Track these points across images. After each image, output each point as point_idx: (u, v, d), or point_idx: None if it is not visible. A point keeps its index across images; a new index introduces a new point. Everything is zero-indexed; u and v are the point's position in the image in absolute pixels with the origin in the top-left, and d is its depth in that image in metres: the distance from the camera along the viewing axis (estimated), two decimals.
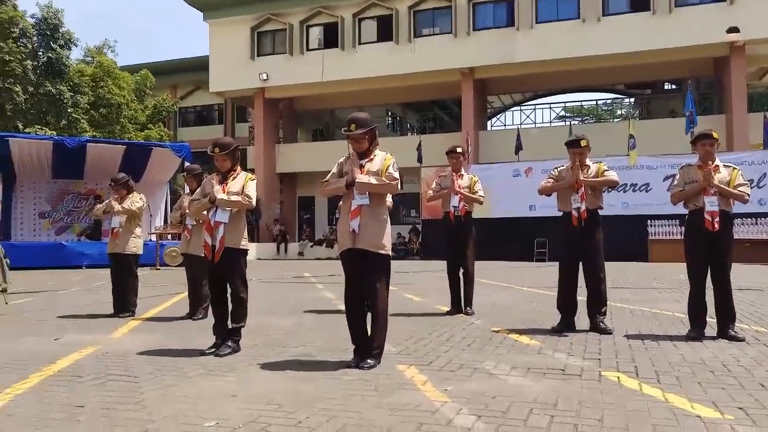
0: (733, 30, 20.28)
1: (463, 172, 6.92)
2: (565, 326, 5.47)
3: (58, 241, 17.47)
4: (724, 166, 5.18)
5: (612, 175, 5.59)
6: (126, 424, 2.88)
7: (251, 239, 4.77)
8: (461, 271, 6.77)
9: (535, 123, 29.28)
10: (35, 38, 24.43)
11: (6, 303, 7.70)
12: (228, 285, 4.72)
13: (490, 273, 12.74)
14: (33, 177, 18.05)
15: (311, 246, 25.61)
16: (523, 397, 3.27)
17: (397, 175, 4.18)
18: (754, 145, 20.10)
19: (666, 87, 30.20)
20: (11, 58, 22.84)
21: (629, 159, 18.92)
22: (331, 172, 4.37)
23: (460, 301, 6.74)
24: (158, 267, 15.96)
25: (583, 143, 5.55)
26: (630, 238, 17.86)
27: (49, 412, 3.10)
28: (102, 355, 4.55)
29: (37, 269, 15.27)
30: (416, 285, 10.59)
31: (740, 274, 10.05)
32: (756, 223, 17.28)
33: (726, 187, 5.03)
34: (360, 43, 25.49)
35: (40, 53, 24.61)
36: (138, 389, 3.54)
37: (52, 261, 16.02)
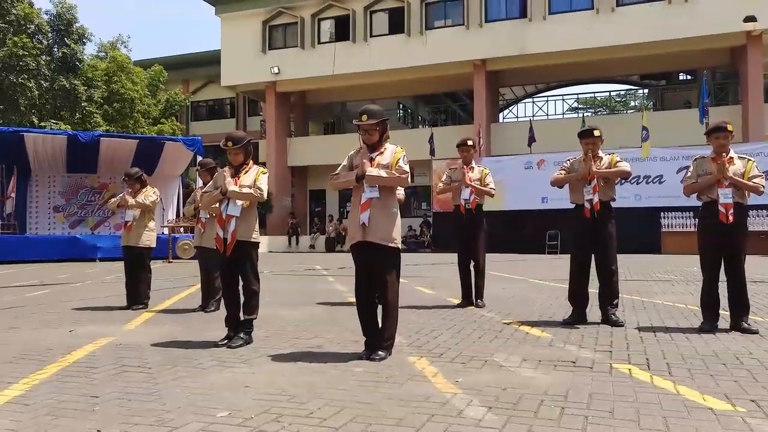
0: (750, 19, 19.98)
1: (473, 164, 6.90)
2: (577, 318, 5.46)
3: (72, 235, 17.68)
4: (739, 157, 5.11)
5: (624, 165, 5.54)
6: (142, 414, 2.93)
7: None
8: (472, 263, 6.76)
9: (548, 115, 29.05)
10: (50, 34, 24.64)
11: None
12: (240, 277, 4.76)
13: (502, 265, 12.71)
14: (47, 171, 18.29)
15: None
16: (534, 389, 3.28)
17: (407, 168, 4.17)
18: None
19: (681, 77, 29.85)
20: (26, 53, 23.06)
21: (641, 151, 18.72)
22: (341, 165, 4.38)
23: (471, 294, 6.74)
24: (171, 260, 16.10)
25: (596, 133, 5.50)
26: (643, 230, 17.77)
27: (66, 402, 3.15)
28: (116, 347, 4.62)
29: (51, 262, 15.50)
30: (427, 277, 10.60)
31: (755, 266, 9.96)
32: None
33: (740, 179, 4.97)
34: (371, 36, 25.44)
35: (55, 49, 24.82)
36: (152, 380, 3.58)
37: (67, 254, 16.27)
